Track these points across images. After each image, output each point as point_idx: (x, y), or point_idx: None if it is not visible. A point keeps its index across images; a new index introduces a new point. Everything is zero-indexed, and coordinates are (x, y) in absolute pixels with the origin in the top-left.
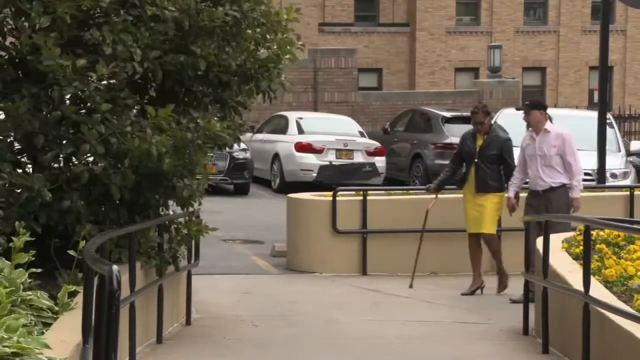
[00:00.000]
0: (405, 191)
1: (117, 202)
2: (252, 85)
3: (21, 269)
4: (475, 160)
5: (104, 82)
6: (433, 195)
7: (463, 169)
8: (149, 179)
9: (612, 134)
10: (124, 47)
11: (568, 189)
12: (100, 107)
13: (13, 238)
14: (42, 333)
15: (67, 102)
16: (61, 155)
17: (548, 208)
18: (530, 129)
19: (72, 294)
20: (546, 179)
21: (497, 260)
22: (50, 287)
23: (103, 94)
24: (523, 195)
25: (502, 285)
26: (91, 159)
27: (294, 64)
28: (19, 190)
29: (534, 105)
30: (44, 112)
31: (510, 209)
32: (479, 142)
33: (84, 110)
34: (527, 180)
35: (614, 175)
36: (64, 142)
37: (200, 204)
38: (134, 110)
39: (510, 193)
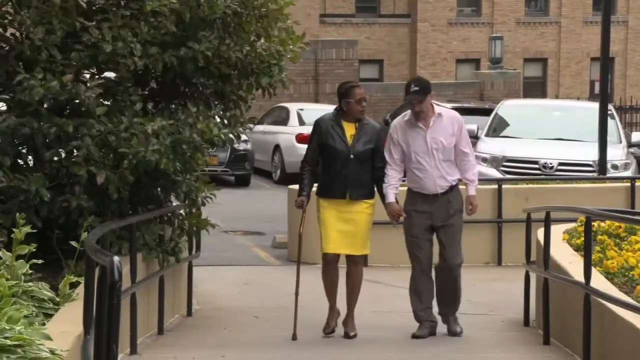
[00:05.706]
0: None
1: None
2: (253, 80)
3: (22, 260)
4: (351, 156)
5: (105, 74)
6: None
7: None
8: (148, 176)
9: (613, 125)
10: (124, 43)
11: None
12: (94, 112)
13: (14, 230)
14: (44, 324)
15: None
16: (62, 151)
17: (449, 211)
18: (406, 117)
19: (73, 285)
20: (448, 177)
21: (355, 295)
22: (52, 278)
23: (98, 99)
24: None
25: (333, 322)
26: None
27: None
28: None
29: (427, 87)
30: (41, 123)
31: (395, 217)
32: (350, 131)
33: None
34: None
35: (615, 167)
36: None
37: (211, 198)
38: (139, 104)
39: (392, 198)
